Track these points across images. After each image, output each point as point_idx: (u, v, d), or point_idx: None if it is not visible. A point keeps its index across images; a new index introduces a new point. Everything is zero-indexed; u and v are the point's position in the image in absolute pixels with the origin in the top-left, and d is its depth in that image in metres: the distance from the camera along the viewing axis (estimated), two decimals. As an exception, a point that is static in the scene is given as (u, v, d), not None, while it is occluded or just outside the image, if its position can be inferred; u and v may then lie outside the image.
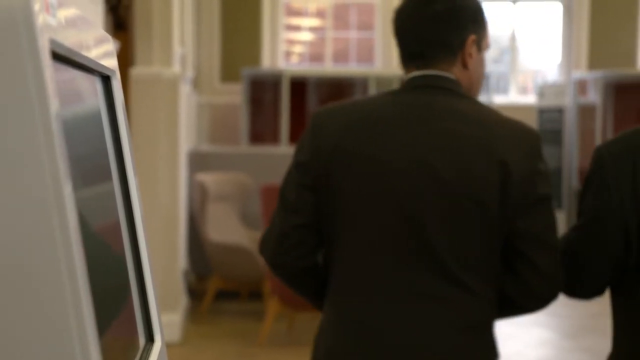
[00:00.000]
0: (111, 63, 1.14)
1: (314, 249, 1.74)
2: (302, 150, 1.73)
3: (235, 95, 9.42)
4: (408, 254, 1.65)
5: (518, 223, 1.65)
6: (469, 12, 1.69)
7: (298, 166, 1.73)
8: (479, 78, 1.75)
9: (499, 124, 1.66)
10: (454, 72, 1.70)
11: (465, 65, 1.71)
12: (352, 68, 10.00)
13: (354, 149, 1.66)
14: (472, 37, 1.70)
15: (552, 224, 1.68)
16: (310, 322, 5.93)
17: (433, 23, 1.68)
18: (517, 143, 1.64)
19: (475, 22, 1.71)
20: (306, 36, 10.20)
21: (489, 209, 1.62)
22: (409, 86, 1.71)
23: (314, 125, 1.73)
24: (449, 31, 1.68)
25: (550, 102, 9.28)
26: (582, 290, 1.71)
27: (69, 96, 0.88)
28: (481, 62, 1.75)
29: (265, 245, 1.78)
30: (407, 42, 1.72)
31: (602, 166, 1.61)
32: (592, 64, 9.55)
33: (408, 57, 1.72)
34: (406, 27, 1.72)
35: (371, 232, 1.67)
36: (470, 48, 1.71)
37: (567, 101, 9.10)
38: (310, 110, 9.51)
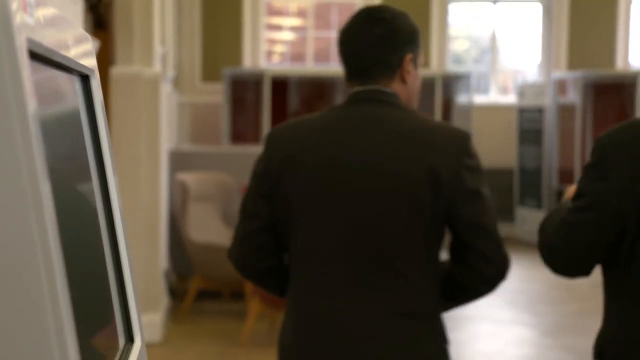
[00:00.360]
0: (90, 62, 1.14)
1: (274, 251, 1.92)
2: (259, 163, 1.93)
3: (217, 94, 9.40)
4: (355, 250, 1.82)
5: (457, 216, 1.84)
6: (405, 34, 1.91)
7: (255, 177, 1.93)
8: (415, 91, 1.96)
9: (430, 131, 1.88)
10: (393, 87, 1.91)
11: (403, 81, 1.92)
12: (333, 68, 10.02)
13: (302, 157, 1.86)
14: (409, 56, 1.92)
15: (487, 213, 1.85)
16: (291, 321, 5.93)
17: (374, 45, 1.90)
18: (444, 146, 1.85)
19: (411, 42, 1.92)
20: (287, 36, 10.20)
21: (425, 206, 1.82)
22: (353, 99, 1.91)
23: (268, 140, 1.93)
24: (388, 52, 1.89)
25: (530, 102, 9.33)
26: (567, 269, 1.79)
27: (47, 96, 0.87)
28: (417, 77, 1.96)
29: (231, 250, 1.97)
30: (351, 61, 1.93)
31: (604, 156, 1.70)
32: (572, 64, 9.61)
33: (352, 74, 1.93)
34: (350, 47, 1.94)
35: (321, 231, 1.85)
36: (408, 66, 1.92)
37: (547, 101, 9.16)
38: (292, 109, 9.51)
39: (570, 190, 1.91)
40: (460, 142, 1.88)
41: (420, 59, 1.97)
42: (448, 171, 1.83)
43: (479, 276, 1.87)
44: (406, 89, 1.93)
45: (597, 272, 1.84)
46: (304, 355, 1.86)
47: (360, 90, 1.91)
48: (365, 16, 1.96)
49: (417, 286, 1.83)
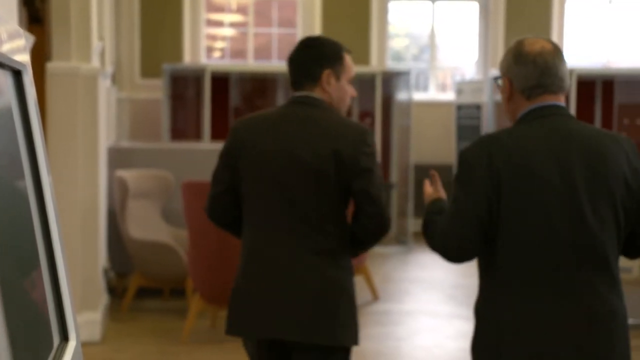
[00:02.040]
0: (23, 58, 1.12)
1: (234, 207, 2.70)
2: (225, 143, 2.71)
3: (156, 90, 9.31)
4: (286, 209, 2.59)
5: (353, 186, 2.59)
6: (324, 55, 2.66)
7: (222, 154, 2.71)
8: (339, 99, 2.69)
9: (339, 125, 2.62)
10: (317, 93, 2.67)
11: (323, 90, 2.66)
12: (274, 64, 10.00)
13: (252, 142, 2.63)
14: (328, 71, 2.65)
15: (374, 185, 2.59)
16: (233, 318, 5.91)
17: (303, 62, 2.68)
18: (347, 136, 2.59)
19: (330, 60, 2.66)
20: (228, 32, 10.15)
21: (329, 177, 2.57)
22: (291, 102, 2.70)
23: (232, 128, 2.70)
24: (310, 66, 2.66)
25: (468, 99, 9.47)
26: (455, 255, 2.28)
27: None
28: (340, 88, 2.69)
29: (205, 206, 2.76)
30: (291, 74, 2.71)
31: (468, 166, 2.24)
32: (509, 62, 9.78)
33: (292, 83, 2.71)
34: (290, 64, 2.71)
35: (262, 196, 2.62)
36: (328, 78, 2.65)
37: (484, 98, 9.30)
38: (233, 105, 9.47)
39: (427, 191, 2.49)
40: (360, 134, 2.61)
41: (345, 75, 2.68)
42: (347, 153, 2.56)
43: (366, 230, 2.63)
44: (328, 95, 2.66)
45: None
46: (248, 277, 2.65)
47: (296, 95, 2.69)
48: (302, 42, 2.72)
49: (324, 233, 2.58)
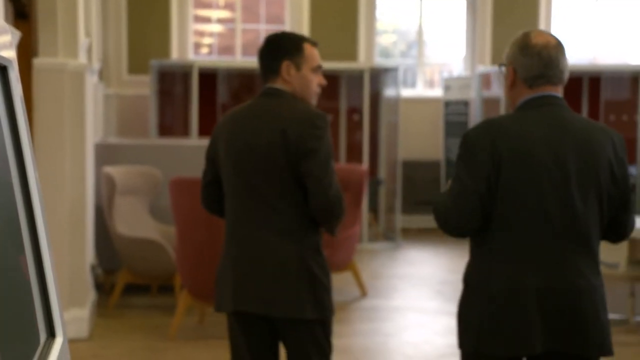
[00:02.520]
0: (9, 53, 1.12)
1: (220, 196, 2.96)
2: (210, 139, 2.99)
3: (144, 87, 9.28)
4: (247, 193, 2.84)
5: (301, 167, 2.76)
6: (282, 48, 2.86)
7: (207, 149, 2.99)
8: (303, 87, 2.86)
9: (290, 110, 2.82)
10: (279, 84, 2.87)
11: (284, 80, 2.86)
12: (262, 60, 9.99)
13: (222, 137, 2.90)
14: (286, 62, 2.84)
15: (321, 167, 2.76)
16: (220, 315, 5.91)
17: (264, 57, 2.90)
18: (295, 119, 2.78)
19: (289, 52, 2.84)
20: (215, 28, 10.13)
21: (280, 160, 2.78)
22: (260, 93, 2.92)
23: (215, 127, 2.97)
24: (270, 60, 2.88)
25: (456, 95, 9.49)
26: (457, 228, 2.47)
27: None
28: (302, 77, 2.86)
29: (200, 195, 3.04)
30: (260, 69, 2.93)
31: (472, 148, 2.43)
32: (496, 59, 9.81)
33: (262, 76, 2.93)
34: (258, 60, 2.94)
35: (230, 184, 2.88)
36: (287, 69, 2.85)
37: (472, 94, 9.33)
38: (220, 102, 9.45)
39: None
40: (309, 117, 2.79)
41: (308, 65, 2.85)
42: (294, 134, 2.76)
43: (315, 210, 2.79)
44: (290, 85, 2.85)
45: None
46: (224, 257, 2.92)
47: (264, 87, 2.91)
48: (265, 38, 2.95)
49: (282, 214, 2.79)
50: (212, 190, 2.95)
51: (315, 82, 2.88)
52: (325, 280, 2.83)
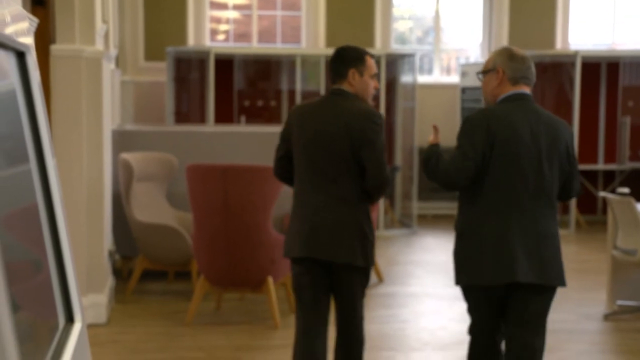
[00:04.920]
0: (27, 40, 1.12)
1: (289, 168, 3.63)
2: (285, 123, 3.65)
3: (160, 73, 9.29)
4: (313, 169, 3.53)
5: (361, 153, 3.48)
6: (350, 57, 3.58)
7: (282, 130, 3.65)
8: (363, 90, 3.58)
9: (354, 108, 3.53)
10: (346, 86, 3.58)
11: (350, 84, 3.57)
12: (278, 47, 9.97)
13: (296, 123, 3.59)
14: (352, 70, 3.56)
15: (377, 152, 3.48)
16: (237, 301, 5.93)
17: (335, 63, 3.60)
18: (358, 115, 3.51)
19: (354, 61, 3.57)
20: (232, 14, 10.12)
21: (344, 145, 3.48)
22: (329, 93, 3.62)
23: (290, 112, 3.66)
24: (340, 67, 3.58)
25: (473, 81, 9.43)
26: (454, 182, 3.26)
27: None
28: (363, 82, 3.57)
29: (273, 167, 3.71)
30: (330, 73, 3.64)
31: (472, 126, 3.26)
32: (512, 44, 9.73)
33: (331, 79, 3.63)
34: (329, 66, 3.64)
35: (300, 161, 3.57)
36: (353, 75, 3.56)
37: (490, 80, 9.25)
38: (237, 88, 9.45)
39: (430, 138, 3.44)
40: (369, 115, 3.51)
41: (368, 72, 3.56)
42: (357, 127, 3.48)
43: (371, 186, 3.50)
44: (354, 89, 3.58)
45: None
46: (293, 215, 3.60)
47: (332, 88, 3.60)
48: (335, 50, 3.64)
49: (344, 188, 3.50)
50: (284, 162, 3.64)
51: (372, 86, 3.60)
52: (372, 237, 3.55)
